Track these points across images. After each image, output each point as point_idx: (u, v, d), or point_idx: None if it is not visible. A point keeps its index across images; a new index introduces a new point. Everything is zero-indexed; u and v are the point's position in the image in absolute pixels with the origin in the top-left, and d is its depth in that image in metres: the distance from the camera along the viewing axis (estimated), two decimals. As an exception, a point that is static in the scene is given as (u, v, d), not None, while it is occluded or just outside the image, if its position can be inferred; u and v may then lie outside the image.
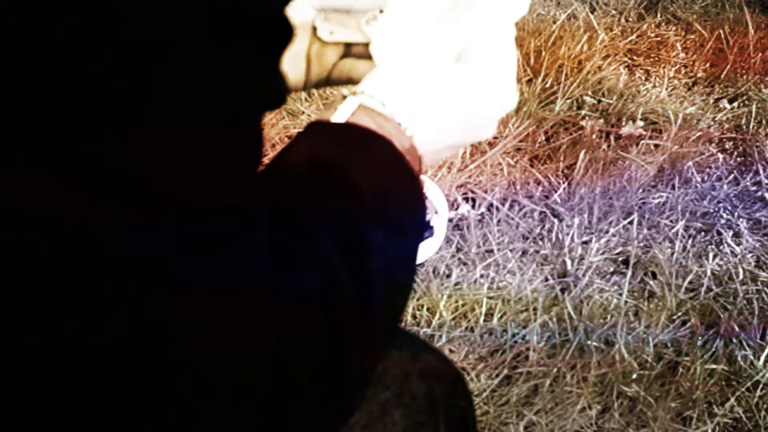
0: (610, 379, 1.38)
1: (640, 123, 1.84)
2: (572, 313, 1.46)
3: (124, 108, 0.34)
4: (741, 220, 1.66)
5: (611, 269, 1.56)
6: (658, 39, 2.10)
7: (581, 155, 1.72)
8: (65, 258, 0.34)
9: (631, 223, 1.61)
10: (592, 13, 2.15)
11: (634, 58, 2.05)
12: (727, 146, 1.84)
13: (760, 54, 2.03)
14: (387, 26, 0.60)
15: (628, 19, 2.16)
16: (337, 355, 0.44)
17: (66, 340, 0.35)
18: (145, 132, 0.35)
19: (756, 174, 1.77)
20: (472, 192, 1.66)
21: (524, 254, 1.57)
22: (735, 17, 2.13)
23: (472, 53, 0.58)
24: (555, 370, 1.38)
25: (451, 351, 1.41)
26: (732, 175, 1.76)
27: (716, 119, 1.89)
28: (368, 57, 0.65)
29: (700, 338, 1.44)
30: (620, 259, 1.58)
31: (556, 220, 1.62)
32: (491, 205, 1.64)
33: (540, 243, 1.59)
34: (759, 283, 1.54)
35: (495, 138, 1.76)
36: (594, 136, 1.79)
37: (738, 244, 1.61)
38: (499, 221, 1.61)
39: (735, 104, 1.93)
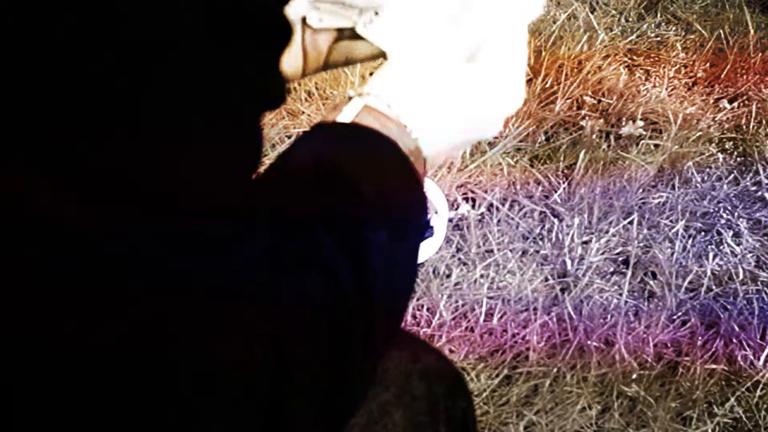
0: (610, 379, 1.38)
1: (640, 123, 1.84)
2: (572, 313, 1.46)
3: (124, 108, 0.34)
4: (741, 220, 1.66)
5: (611, 269, 1.56)
6: (658, 39, 2.10)
7: (581, 155, 1.72)
8: (65, 258, 0.34)
9: (631, 223, 1.61)
10: (592, 13, 2.15)
11: (634, 58, 2.04)
12: (727, 146, 1.84)
13: (760, 54, 2.02)
14: (394, 26, 0.60)
15: (628, 19, 2.16)
16: (339, 356, 0.44)
17: (66, 340, 0.35)
18: (145, 132, 0.35)
19: (756, 174, 1.77)
20: (472, 192, 1.66)
21: (524, 254, 1.57)
22: (735, 17, 2.13)
23: (483, 52, 0.57)
24: (555, 370, 1.38)
25: (451, 351, 1.41)
26: (732, 175, 1.76)
27: (716, 119, 1.89)
28: (361, 37, 0.66)
29: (700, 338, 1.44)
30: (620, 259, 1.58)
31: (556, 220, 1.62)
32: (491, 205, 1.64)
33: (540, 243, 1.59)
34: (759, 283, 1.54)
35: (495, 138, 1.76)
36: (594, 136, 1.79)
37: (738, 244, 1.61)
38: (499, 221, 1.61)
39: (735, 104, 1.93)
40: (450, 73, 0.56)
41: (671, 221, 1.64)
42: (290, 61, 0.67)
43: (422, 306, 1.47)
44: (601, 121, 1.84)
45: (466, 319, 1.45)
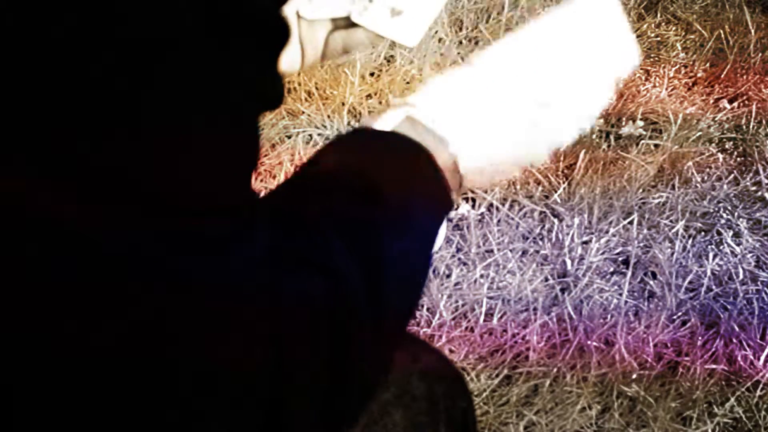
0: (610, 379, 1.38)
1: (640, 123, 1.84)
2: (572, 313, 1.46)
3: (124, 108, 0.34)
4: (741, 220, 1.66)
5: (611, 269, 1.56)
6: (658, 39, 2.10)
7: (581, 155, 1.72)
8: (65, 258, 0.34)
9: (631, 223, 1.61)
10: (592, 13, 2.15)
11: (634, 58, 2.04)
12: (727, 146, 1.84)
13: (760, 54, 2.02)
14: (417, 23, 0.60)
15: (628, 19, 2.16)
16: (339, 356, 0.44)
17: (66, 340, 0.35)
18: (145, 132, 0.35)
19: (756, 174, 1.77)
20: (472, 192, 1.66)
21: (524, 254, 1.57)
22: (735, 17, 2.13)
23: (555, 104, 0.56)
24: (555, 370, 1.38)
25: (451, 351, 1.41)
26: (732, 175, 1.76)
27: (716, 119, 1.89)
28: (356, 26, 0.66)
29: (700, 338, 1.44)
30: (620, 259, 1.58)
31: (556, 220, 1.62)
32: (491, 205, 1.64)
33: (540, 243, 1.59)
34: (759, 283, 1.54)
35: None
36: (594, 136, 1.79)
37: (738, 244, 1.61)
38: (499, 221, 1.61)
39: (735, 104, 1.93)
40: (517, 109, 0.55)
41: (671, 221, 1.64)
42: (288, 56, 0.67)
43: (422, 306, 1.47)
44: (601, 121, 1.84)
45: (466, 319, 1.45)
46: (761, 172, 1.76)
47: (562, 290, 1.51)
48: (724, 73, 1.98)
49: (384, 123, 0.54)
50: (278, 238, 0.43)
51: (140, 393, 0.37)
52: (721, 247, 1.61)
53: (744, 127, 1.87)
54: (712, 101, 1.93)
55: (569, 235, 1.58)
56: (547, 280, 1.53)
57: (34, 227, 0.33)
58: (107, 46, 0.33)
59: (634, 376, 1.38)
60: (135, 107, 0.34)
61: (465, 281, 1.51)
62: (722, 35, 2.07)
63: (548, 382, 1.37)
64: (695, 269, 1.55)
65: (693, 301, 1.51)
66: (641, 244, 1.60)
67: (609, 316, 1.47)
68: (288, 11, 0.66)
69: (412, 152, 0.52)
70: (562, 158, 1.74)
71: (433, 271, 1.52)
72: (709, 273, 1.55)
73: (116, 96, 0.34)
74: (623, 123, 1.84)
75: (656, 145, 1.79)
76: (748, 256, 1.60)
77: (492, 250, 1.56)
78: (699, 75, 2.00)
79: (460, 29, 2.03)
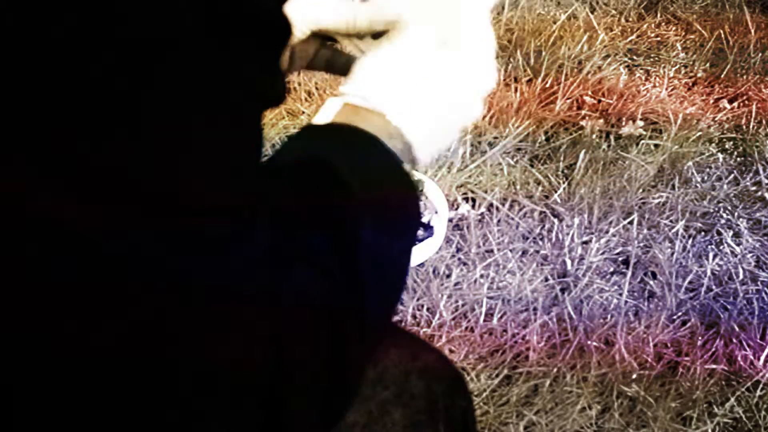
0: (610, 379, 1.38)
1: (640, 123, 1.84)
2: (572, 313, 1.46)
3: (124, 108, 0.34)
4: (741, 220, 1.66)
5: (611, 269, 1.56)
6: (658, 39, 2.10)
7: (581, 155, 1.72)
8: (65, 258, 0.34)
9: (631, 223, 1.61)
10: (592, 13, 2.15)
11: (634, 58, 2.05)
12: (727, 146, 1.84)
13: (760, 54, 2.02)
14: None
15: (628, 19, 2.16)
16: (338, 355, 0.44)
17: (66, 340, 0.35)
18: (145, 132, 0.35)
19: (756, 174, 1.77)
20: (472, 192, 1.66)
21: (524, 254, 1.57)
22: (735, 17, 2.13)
23: (452, 38, 0.58)
24: (555, 370, 1.38)
25: (451, 351, 1.41)
26: (732, 175, 1.76)
27: (716, 119, 1.89)
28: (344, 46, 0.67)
29: (700, 338, 1.44)
30: (620, 259, 1.58)
31: (556, 220, 1.62)
32: (491, 205, 1.64)
33: (540, 243, 1.59)
34: (759, 283, 1.54)
35: (495, 138, 1.76)
36: (594, 136, 1.79)
37: (738, 244, 1.61)
38: (499, 221, 1.61)
39: (735, 104, 1.93)
40: (424, 59, 0.57)
41: (671, 221, 1.64)
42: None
43: (422, 306, 1.47)
44: (601, 121, 1.84)
45: (466, 319, 1.46)
46: (761, 172, 1.76)
47: (562, 290, 1.51)
48: (724, 73, 1.98)
49: (323, 116, 0.55)
50: (278, 237, 0.43)
51: (140, 393, 0.37)
52: (721, 247, 1.61)
53: (744, 127, 1.87)
54: (712, 101, 1.93)
55: (569, 235, 1.58)
56: (547, 280, 1.53)
57: (34, 227, 0.33)
58: (107, 46, 0.33)
59: (634, 376, 1.38)
60: (135, 107, 0.34)
61: (465, 281, 1.51)
62: (722, 35, 2.07)
63: (548, 382, 1.37)
64: (695, 269, 1.55)
65: (693, 301, 1.51)
66: (641, 244, 1.60)
67: (609, 316, 1.47)
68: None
69: (361, 139, 0.53)
70: (562, 158, 1.74)
71: (433, 271, 1.52)
72: (709, 273, 1.55)
73: (116, 96, 0.34)
74: (623, 123, 1.84)
75: (656, 145, 1.79)
76: (748, 256, 1.60)
77: (492, 250, 1.56)
78: (699, 75, 2.00)
79: (460, 29, 2.02)
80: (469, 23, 0.59)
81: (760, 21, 2.11)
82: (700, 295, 1.52)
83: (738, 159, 1.81)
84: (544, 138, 1.80)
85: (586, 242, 1.59)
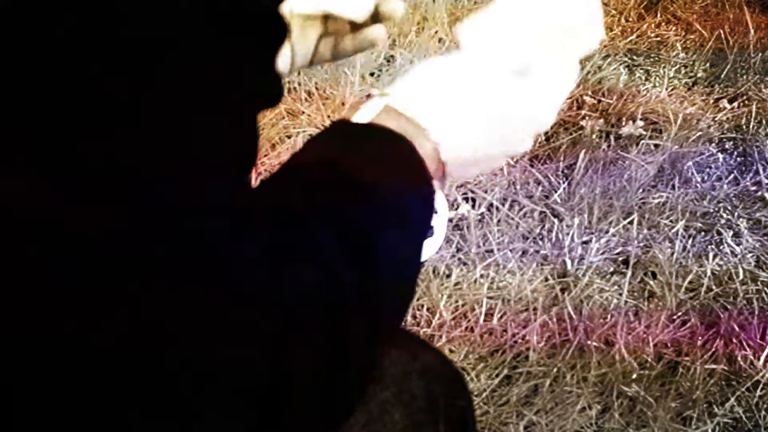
0: (610, 379, 1.38)
1: (640, 123, 1.84)
2: (572, 313, 1.46)
3: (124, 108, 0.34)
4: (741, 220, 1.66)
5: (611, 269, 1.56)
6: (658, 39, 2.10)
7: (581, 155, 1.72)
8: (65, 258, 0.34)
9: (631, 223, 1.61)
10: (592, 13, 2.15)
11: (634, 58, 2.05)
12: (727, 146, 1.84)
13: (760, 54, 2.02)
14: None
15: (628, 19, 2.16)
16: (339, 355, 0.44)
17: (66, 340, 0.35)
18: (145, 132, 0.35)
19: (756, 174, 1.77)
20: (472, 192, 1.66)
21: (524, 254, 1.57)
22: (735, 17, 2.13)
23: (533, 71, 0.55)
24: (555, 370, 1.38)
25: (451, 351, 1.41)
26: (732, 175, 1.76)
27: (716, 119, 1.89)
28: (346, 32, 0.66)
29: (700, 338, 1.44)
30: (620, 259, 1.58)
31: (556, 220, 1.62)
32: (491, 205, 1.64)
33: (540, 243, 1.59)
34: (759, 283, 1.54)
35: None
36: (594, 136, 1.79)
37: (738, 244, 1.61)
38: (499, 221, 1.61)
39: (735, 104, 1.93)
40: (495, 82, 0.55)
41: (671, 221, 1.64)
42: (280, 57, 0.67)
43: (422, 306, 1.47)
44: (601, 121, 1.84)
45: (466, 319, 1.45)
46: (761, 172, 1.76)
47: (562, 290, 1.51)
48: (724, 73, 1.98)
49: (363, 115, 0.53)
50: (278, 236, 0.43)
51: (140, 393, 0.37)
52: (721, 247, 1.61)
53: (744, 127, 1.87)
54: (712, 101, 1.93)
55: (569, 235, 1.58)
56: (547, 280, 1.53)
57: (34, 227, 0.33)
58: (107, 46, 0.33)
59: (634, 376, 1.38)
60: (135, 107, 0.34)
61: (465, 281, 1.51)
62: (722, 35, 2.07)
63: (548, 382, 1.37)
64: (695, 269, 1.55)
65: (693, 301, 1.51)
66: (641, 244, 1.60)
67: (609, 316, 1.47)
68: (283, 9, 0.66)
69: (392, 142, 0.52)
70: (562, 158, 1.74)
71: (433, 271, 1.52)
72: (709, 273, 1.55)
73: (116, 96, 0.34)
74: (623, 123, 1.84)
75: (656, 145, 1.79)
76: (748, 256, 1.60)
77: (492, 250, 1.56)
78: (699, 75, 2.00)
79: (460, 29, 2.02)
80: (554, 61, 0.56)
81: (760, 21, 2.11)
82: (700, 295, 1.52)
83: (738, 159, 1.81)
84: (544, 138, 1.80)
85: (586, 242, 1.59)
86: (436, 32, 1.97)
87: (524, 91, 0.55)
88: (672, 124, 1.82)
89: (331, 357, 0.43)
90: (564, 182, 1.69)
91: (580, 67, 0.57)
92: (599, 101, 1.89)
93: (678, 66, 2.02)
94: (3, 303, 0.34)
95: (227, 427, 0.39)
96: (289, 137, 1.75)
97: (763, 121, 1.88)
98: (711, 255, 1.58)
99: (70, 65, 0.33)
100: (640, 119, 1.85)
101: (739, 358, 1.42)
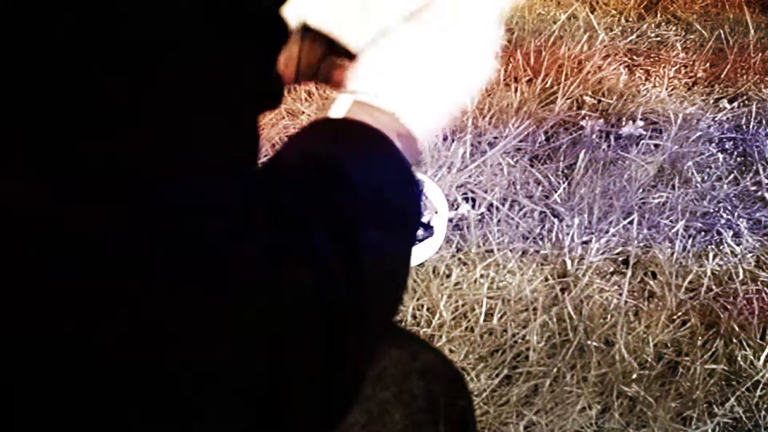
0: (610, 379, 1.38)
1: (640, 123, 1.84)
2: (572, 313, 1.46)
3: (124, 108, 0.34)
4: (741, 220, 1.66)
5: (611, 269, 1.56)
6: (658, 39, 2.10)
7: (581, 155, 1.72)
8: (65, 258, 0.34)
9: (631, 223, 1.61)
10: (592, 13, 2.15)
11: (634, 58, 2.05)
12: (727, 146, 1.84)
13: (760, 54, 2.02)
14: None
15: (628, 19, 2.16)
16: (337, 355, 0.44)
17: (66, 340, 0.35)
18: (145, 132, 0.35)
19: (756, 174, 1.77)
20: (472, 192, 1.66)
21: (524, 254, 1.57)
22: (735, 17, 2.13)
23: (455, 25, 0.59)
24: (555, 370, 1.38)
25: (451, 351, 1.41)
26: (732, 175, 1.76)
27: (716, 119, 1.89)
28: (342, 64, 0.66)
29: (700, 338, 1.44)
30: (620, 259, 1.58)
31: (556, 220, 1.62)
32: (491, 205, 1.64)
33: (540, 243, 1.59)
34: (759, 283, 1.54)
35: (495, 138, 1.76)
36: (594, 136, 1.79)
37: (738, 244, 1.61)
38: (499, 221, 1.61)
39: (735, 104, 1.93)
40: (426, 52, 0.58)
41: (671, 221, 1.64)
42: (287, 66, 0.67)
43: (422, 306, 1.47)
44: (601, 121, 1.84)
45: (466, 319, 1.46)
46: (761, 172, 1.76)
47: (562, 290, 1.51)
48: (724, 73, 1.98)
49: (335, 112, 0.55)
50: (277, 237, 0.43)
51: (140, 393, 0.37)
52: (721, 247, 1.61)
53: (744, 127, 1.87)
54: (712, 101, 1.93)
55: (569, 235, 1.59)
56: (547, 280, 1.53)
57: (34, 227, 0.33)
58: (107, 46, 0.33)
59: (634, 376, 1.38)
60: (135, 107, 0.34)
61: (465, 281, 1.51)
62: (722, 35, 2.07)
63: (548, 382, 1.37)
64: (695, 269, 1.55)
65: (693, 301, 1.51)
66: (641, 244, 1.60)
67: (609, 316, 1.47)
68: (292, 20, 0.66)
69: (370, 137, 0.53)
70: (562, 158, 1.74)
71: (433, 271, 1.52)
72: (709, 273, 1.55)
73: (116, 96, 0.34)
74: (623, 123, 1.84)
75: (656, 145, 1.79)
76: (748, 256, 1.60)
77: (492, 250, 1.56)
78: (699, 75, 2.00)
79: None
80: (474, 12, 0.59)
81: (760, 21, 2.11)
82: (700, 295, 1.52)
83: (738, 159, 1.81)
84: (544, 138, 1.80)
85: (586, 242, 1.59)
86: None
87: (450, 48, 0.59)
88: (672, 124, 1.82)
89: (328, 356, 0.43)
90: (564, 182, 1.69)
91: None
92: (599, 101, 1.89)
93: (678, 66, 2.02)
94: (3, 303, 0.34)
95: (227, 426, 0.39)
96: (289, 137, 1.74)
97: (763, 121, 1.88)
98: (711, 255, 1.58)
99: (70, 65, 0.33)
100: (640, 119, 1.85)
101: (739, 358, 1.42)
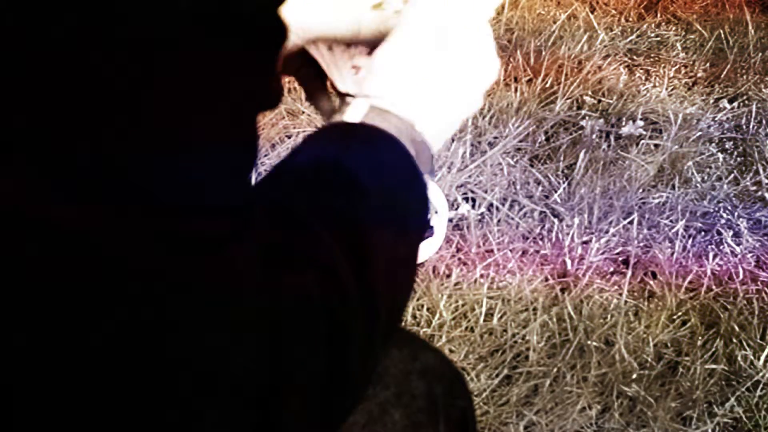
0: (610, 379, 1.38)
1: (640, 123, 1.84)
2: (572, 313, 1.46)
3: (124, 108, 0.34)
4: (741, 220, 1.66)
5: (611, 269, 1.56)
6: (658, 39, 2.10)
7: (581, 155, 1.72)
8: (65, 258, 0.34)
9: (631, 223, 1.61)
10: (592, 13, 2.15)
11: (634, 58, 2.05)
12: (727, 146, 1.84)
13: (760, 54, 2.03)
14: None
15: (628, 19, 2.16)
16: (339, 355, 0.44)
17: (66, 340, 0.35)
18: (145, 132, 0.35)
19: (756, 174, 1.77)
20: (472, 192, 1.66)
21: (524, 254, 1.57)
22: (735, 17, 2.13)
23: (450, 40, 0.59)
24: (555, 370, 1.38)
25: (451, 351, 1.41)
26: (732, 175, 1.76)
27: (716, 119, 1.89)
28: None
29: (700, 338, 1.44)
30: (620, 259, 1.58)
31: (556, 220, 1.62)
32: (491, 205, 1.64)
33: (540, 243, 1.59)
34: (759, 283, 1.54)
35: (495, 138, 1.76)
36: (594, 136, 1.79)
37: (738, 244, 1.61)
38: (499, 221, 1.61)
39: (735, 104, 1.93)
40: (430, 64, 0.58)
41: (671, 221, 1.64)
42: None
43: (422, 306, 1.47)
44: (601, 121, 1.84)
45: (466, 319, 1.46)
46: (761, 172, 1.76)
47: (562, 290, 1.51)
48: (724, 73, 1.98)
49: (350, 116, 0.55)
50: (278, 237, 0.43)
51: (140, 393, 0.37)
52: (721, 247, 1.61)
53: (744, 127, 1.87)
54: (712, 101, 1.94)
55: (569, 235, 1.59)
56: (547, 280, 1.53)
57: (34, 227, 0.33)
58: (107, 46, 0.33)
59: (634, 376, 1.38)
60: (135, 107, 0.34)
61: (465, 281, 1.51)
62: (722, 35, 2.07)
63: (548, 382, 1.37)
64: (695, 269, 1.55)
65: (693, 301, 1.51)
66: (641, 244, 1.60)
67: (609, 316, 1.47)
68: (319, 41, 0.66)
69: (383, 142, 0.54)
70: (562, 158, 1.74)
71: (433, 271, 1.52)
72: (709, 273, 1.55)
73: (116, 96, 0.34)
74: (623, 123, 1.84)
75: (656, 145, 1.79)
76: (748, 256, 1.60)
77: (492, 250, 1.56)
78: (699, 75, 2.00)
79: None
80: (465, 25, 0.60)
81: (760, 21, 2.11)
82: (700, 295, 1.52)
83: (738, 159, 1.81)
84: (544, 138, 1.80)
85: (586, 242, 1.59)
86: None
87: (453, 61, 0.59)
88: (672, 124, 1.82)
89: (330, 358, 0.43)
90: (564, 182, 1.69)
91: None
92: (599, 101, 1.89)
93: (678, 66, 2.02)
94: (2, 303, 0.34)
95: (227, 427, 0.39)
96: (289, 137, 1.75)
97: (763, 121, 1.88)
98: (711, 255, 1.58)
99: (69, 65, 0.33)
100: (640, 119, 1.85)
101: (739, 358, 1.42)
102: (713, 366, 1.40)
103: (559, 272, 1.54)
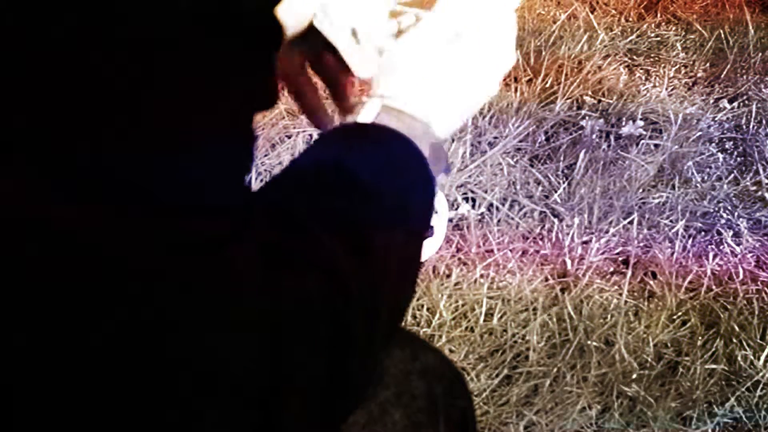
0: (610, 379, 1.38)
1: (640, 123, 1.84)
2: (572, 313, 1.46)
3: (124, 108, 0.34)
4: (741, 220, 1.66)
5: (611, 269, 1.56)
6: (658, 39, 2.10)
7: (581, 155, 1.72)
8: (65, 258, 0.34)
9: (631, 223, 1.61)
10: (592, 13, 2.15)
11: (634, 58, 2.04)
12: (727, 146, 1.84)
13: (760, 54, 2.02)
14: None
15: (628, 19, 2.16)
16: (339, 356, 0.44)
17: (66, 340, 0.35)
18: (145, 132, 0.35)
19: (756, 174, 1.77)
20: (472, 192, 1.66)
21: (524, 254, 1.57)
22: (735, 17, 2.13)
23: (467, 30, 0.59)
24: (555, 370, 1.38)
25: (451, 351, 1.41)
26: (732, 175, 1.76)
27: (716, 119, 1.89)
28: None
29: (700, 338, 1.44)
30: (620, 259, 1.58)
31: (556, 220, 1.62)
32: (491, 205, 1.64)
33: (540, 243, 1.59)
34: (759, 283, 1.54)
35: (495, 138, 1.76)
36: (594, 136, 1.79)
37: (738, 244, 1.61)
38: (499, 221, 1.61)
39: (735, 104, 1.93)
40: (444, 59, 0.58)
41: (671, 221, 1.64)
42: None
43: (422, 306, 1.47)
44: (601, 121, 1.84)
45: (466, 319, 1.46)
46: (761, 172, 1.76)
47: (562, 290, 1.51)
48: (724, 73, 1.98)
49: (364, 117, 0.55)
50: (278, 238, 0.43)
51: (140, 393, 0.37)
52: (721, 247, 1.61)
53: (744, 127, 1.87)
54: (712, 101, 1.93)
55: (569, 235, 1.58)
56: (547, 280, 1.53)
57: (34, 227, 0.33)
58: (107, 46, 0.33)
59: (634, 376, 1.38)
60: (134, 107, 0.34)
61: (465, 281, 1.51)
62: (722, 35, 2.07)
63: (548, 382, 1.37)
64: (695, 269, 1.55)
65: (693, 301, 1.51)
66: (641, 244, 1.60)
67: (609, 316, 1.47)
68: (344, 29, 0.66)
69: (394, 142, 0.53)
70: (562, 158, 1.74)
71: (433, 271, 1.52)
72: (709, 273, 1.55)
73: (116, 96, 0.34)
74: (623, 123, 1.84)
75: (656, 145, 1.79)
76: (748, 256, 1.60)
77: (492, 250, 1.56)
78: (699, 75, 2.00)
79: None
80: (484, 19, 0.59)
81: (760, 21, 2.11)
82: (700, 295, 1.52)
83: (738, 159, 1.81)
84: (544, 138, 1.80)
85: (586, 242, 1.59)
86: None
87: (465, 51, 0.59)
88: (672, 124, 1.82)
89: (331, 358, 0.43)
90: (564, 182, 1.69)
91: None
92: (599, 101, 1.89)
93: (678, 66, 2.02)
94: (3, 303, 0.34)
95: (227, 427, 0.39)
96: (289, 137, 1.75)
97: (763, 121, 1.88)
98: (711, 255, 1.58)
99: (69, 65, 0.33)
100: (640, 119, 1.85)
101: (739, 358, 1.42)
102: (713, 366, 1.40)
103: (559, 272, 1.54)
